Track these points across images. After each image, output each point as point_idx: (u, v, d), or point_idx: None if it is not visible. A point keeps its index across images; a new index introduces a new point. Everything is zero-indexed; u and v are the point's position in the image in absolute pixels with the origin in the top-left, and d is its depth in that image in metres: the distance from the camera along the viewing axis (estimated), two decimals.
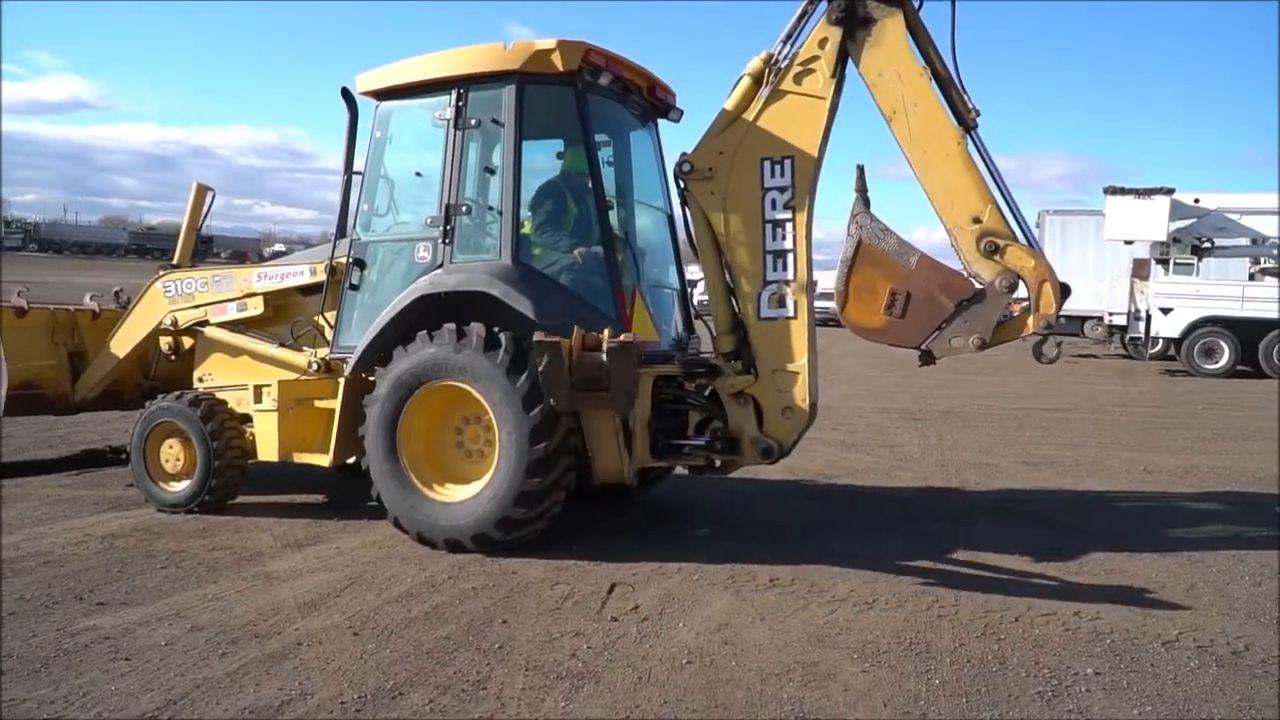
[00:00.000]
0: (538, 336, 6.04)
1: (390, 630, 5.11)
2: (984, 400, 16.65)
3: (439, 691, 4.39)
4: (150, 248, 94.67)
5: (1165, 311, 23.13)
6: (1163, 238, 23.13)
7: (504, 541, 6.47)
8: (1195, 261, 23.73)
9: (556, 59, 6.62)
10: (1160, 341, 23.94)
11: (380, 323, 6.81)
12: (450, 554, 6.49)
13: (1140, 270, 25.51)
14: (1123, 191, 23.09)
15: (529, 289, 6.52)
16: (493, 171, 6.92)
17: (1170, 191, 22.76)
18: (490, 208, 6.93)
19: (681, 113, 7.88)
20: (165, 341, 8.74)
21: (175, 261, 9.00)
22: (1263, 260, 24.40)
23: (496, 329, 6.50)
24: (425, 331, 6.64)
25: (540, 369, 6.03)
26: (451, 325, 6.56)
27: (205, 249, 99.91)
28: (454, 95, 6.91)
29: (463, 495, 6.63)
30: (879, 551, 6.74)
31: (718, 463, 7.05)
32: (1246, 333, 22.55)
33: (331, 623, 5.20)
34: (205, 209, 9.11)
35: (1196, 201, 23.30)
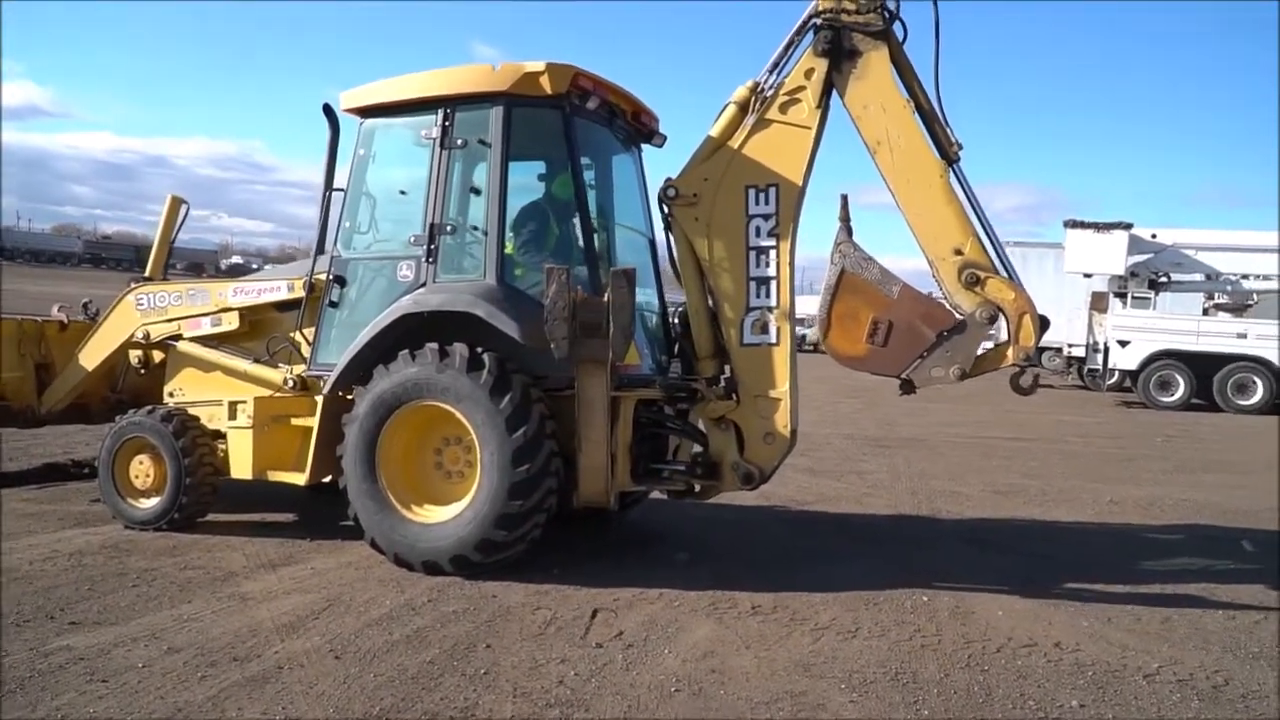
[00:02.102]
0: (548, 265, 6.21)
1: (372, 654, 5.03)
2: (949, 428, 16.81)
3: (426, 718, 4.32)
4: (105, 257, 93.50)
5: (1123, 344, 23.51)
6: (1121, 271, 23.60)
7: (483, 564, 6.42)
8: (1152, 296, 24.19)
9: (545, 81, 6.63)
10: (1116, 373, 24.32)
11: (361, 341, 6.74)
12: (428, 576, 6.42)
13: (1098, 303, 25.93)
14: (1082, 225, 23.53)
15: (513, 309, 6.49)
16: (478, 192, 6.89)
17: (1129, 226, 23.23)
18: (474, 228, 6.90)
19: (665, 138, 7.91)
20: (135, 355, 8.61)
21: (147, 274, 8.85)
22: (1216, 296, 24.93)
23: (480, 349, 6.47)
24: (407, 351, 6.58)
25: (548, 298, 6.08)
26: (434, 345, 6.52)
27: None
28: (440, 115, 6.89)
29: (442, 517, 6.57)
30: (858, 579, 6.75)
31: (697, 487, 7.06)
32: (1201, 366, 22.96)
33: (312, 645, 5.12)
34: (179, 221, 8.99)
35: (1154, 237, 23.81)
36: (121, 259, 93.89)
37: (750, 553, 7.58)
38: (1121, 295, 24.43)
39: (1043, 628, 5.89)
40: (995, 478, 11.76)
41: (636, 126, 7.67)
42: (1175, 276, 24.18)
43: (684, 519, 8.55)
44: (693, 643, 5.39)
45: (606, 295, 6.26)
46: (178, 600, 5.82)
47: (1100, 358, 24.74)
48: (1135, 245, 23.37)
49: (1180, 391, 23.18)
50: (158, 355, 8.58)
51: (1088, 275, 24.41)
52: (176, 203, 8.93)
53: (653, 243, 7.90)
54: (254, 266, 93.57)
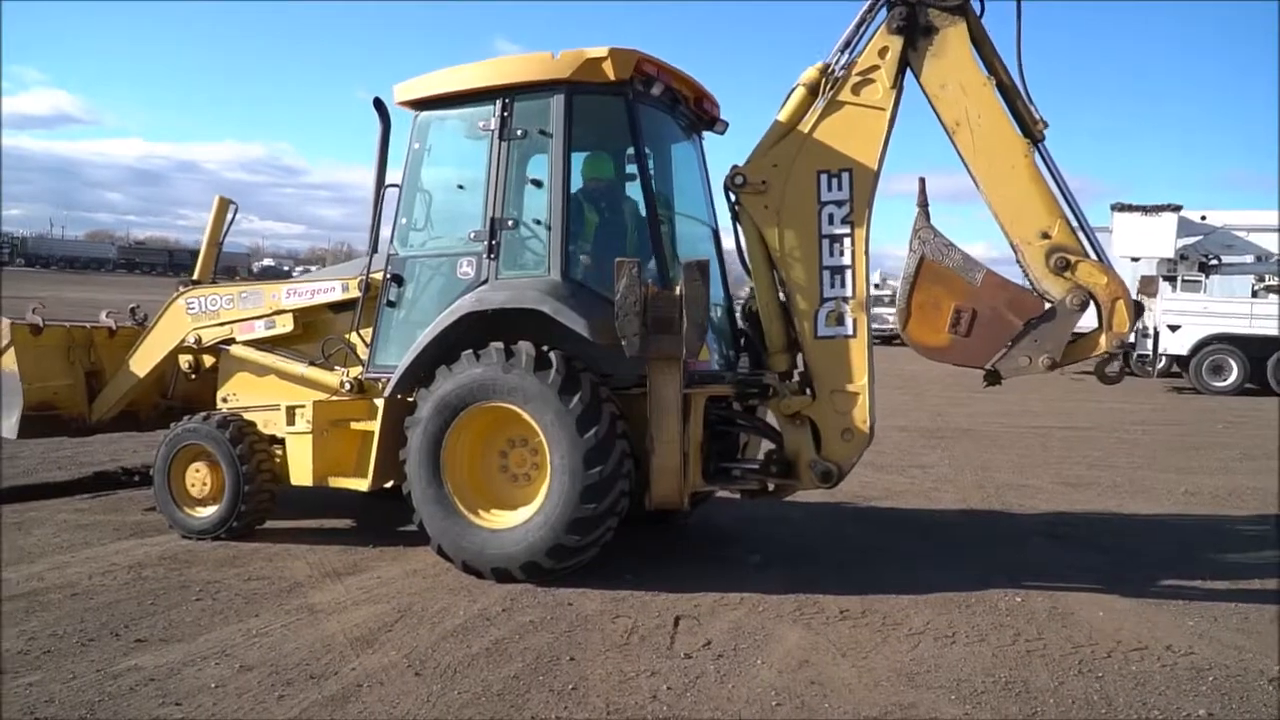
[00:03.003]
0: (618, 259, 5.97)
1: (453, 669, 4.80)
2: (1001, 418, 16.44)
3: None
4: (139, 262, 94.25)
5: (1173, 329, 22.98)
6: (1170, 254, 23.08)
7: (555, 570, 6.18)
8: (1203, 279, 23.62)
9: (608, 68, 6.37)
10: (1164, 359, 23.79)
11: (422, 341, 6.51)
12: (499, 584, 6.19)
13: (1147, 287, 25.35)
14: (1130, 208, 23.06)
15: (580, 306, 6.24)
16: (540, 184, 6.63)
17: (1178, 209, 22.73)
18: (537, 221, 6.64)
19: (727, 125, 7.62)
20: (185, 360, 8.43)
21: (195, 277, 8.66)
22: (1266, 278, 24.35)
23: (546, 348, 6.23)
24: (471, 351, 6.35)
25: (618, 293, 5.85)
26: (499, 344, 6.28)
27: (195, 263, 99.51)
28: (499, 105, 6.65)
29: (511, 522, 6.33)
30: (942, 579, 6.47)
31: (771, 486, 6.79)
32: (1255, 350, 22.40)
33: (389, 660, 4.90)
34: (227, 223, 8.79)
35: (1204, 219, 23.29)
36: (155, 264, 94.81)
37: (825, 553, 7.30)
38: (1171, 279, 23.88)
39: (1148, 629, 5.58)
40: (1062, 469, 11.41)
41: (698, 113, 7.39)
42: (1226, 259, 23.62)
43: (749, 519, 8.29)
44: (785, 651, 5.12)
45: (678, 289, 6.01)
46: (244, 614, 5.61)
47: (1150, 343, 24.21)
48: (1185, 227, 22.87)
49: (1233, 376, 22.61)
50: (208, 360, 8.40)
51: (1135, 259, 23.86)
52: (225, 204, 8.74)
53: (716, 233, 7.63)
54: (285, 269, 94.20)
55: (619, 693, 4.56)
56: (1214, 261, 23.56)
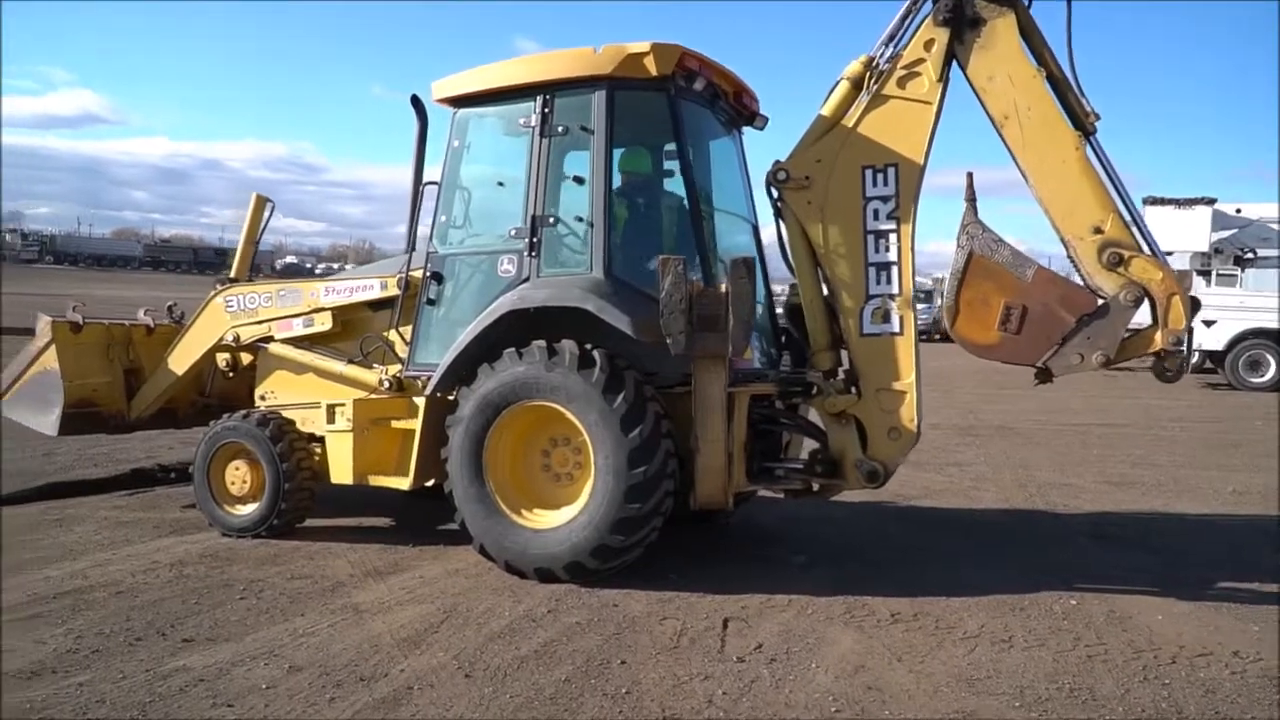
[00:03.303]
0: (663, 256, 5.88)
1: (503, 671, 4.74)
2: (1034, 415, 16.24)
3: None
4: (164, 260, 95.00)
5: (1208, 324, 22.64)
6: (1205, 248, 22.74)
7: (599, 571, 6.12)
8: (1238, 273, 23.27)
9: (650, 63, 6.29)
10: (1198, 354, 23.44)
11: (464, 339, 6.45)
12: (542, 584, 6.13)
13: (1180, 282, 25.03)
14: (1163, 202, 22.75)
15: (624, 303, 6.16)
16: (582, 181, 6.55)
17: (1212, 201, 22.41)
18: (578, 218, 6.57)
19: (766, 120, 7.52)
20: (223, 358, 8.41)
21: (232, 275, 8.64)
22: None
23: (588, 346, 6.16)
24: (514, 349, 6.29)
25: (663, 291, 5.76)
26: (541, 342, 6.22)
27: (220, 261, 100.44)
28: (539, 101, 6.58)
29: (554, 522, 6.27)
30: (992, 581, 6.36)
31: (815, 486, 6.70)
32: None
33: (438, 662, 4.84)
34: (264, 221, 8.77)
35: (1238, 211, 22.94)
36: (180, 261, 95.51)
37: (869, 553, 7.20)
38: (1205, 273, 23.52)
39: (1210, 633, 5.46)
40: (1103, 467, 11.24)
41: (738, 108, 7.30)
42: (1261, 252, 23.25)
43: (791, 518, 8.20)
44: (839, 655, 5.04)
45: (724, 286, 5.93)
46: (289, 613, 5.57)
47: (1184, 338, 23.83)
48: (1219, 221, 22.53)
49: (1271, 372, 22.27)
50: (246, 358, 8.38)
51: (1169, 254, 23.51)
52: (262, 202, 8.71)
53: (756, 229, 7.54)
54: (307, 266, 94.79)
55: (673, 697, 4.49)
56: (1249, 255, 23.18)
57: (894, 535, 7.88)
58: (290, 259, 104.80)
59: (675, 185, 7.02)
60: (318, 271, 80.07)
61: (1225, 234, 22.85)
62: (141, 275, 78.77)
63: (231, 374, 8.52)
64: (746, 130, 7.68)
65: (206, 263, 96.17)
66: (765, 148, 7.07)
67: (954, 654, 5.08)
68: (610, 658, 4.94)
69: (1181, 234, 22.59)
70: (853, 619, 5.61)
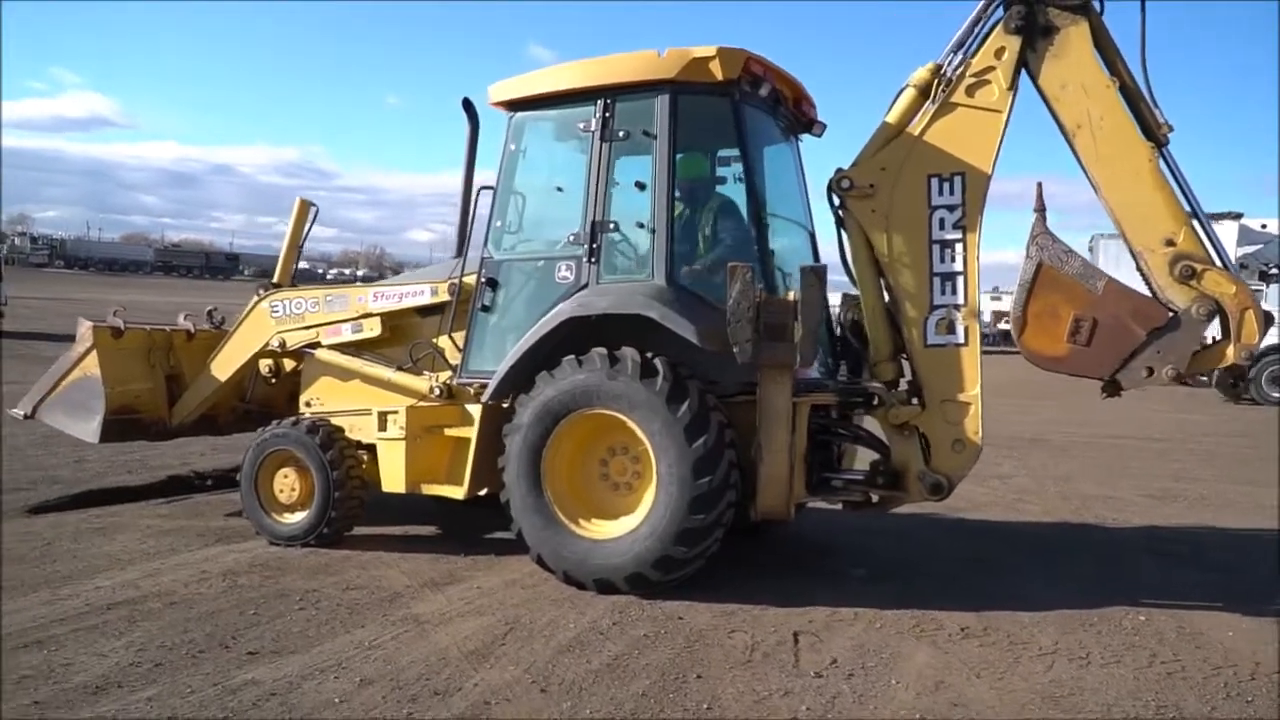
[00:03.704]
0: (731, 263, 5.80)
1: (578, 686, 4.65)
2: (1066, 427, 16.15)
3: None
4: (175, 265, 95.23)
5: None
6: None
7: (661, 582, 6.02)
8: (1264, 288, 23.13)
9: (715, 68, 6.22)
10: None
11: (524, 346, 6.36)
12: (601, 595, 6.04)
13: None
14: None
15: (687, 311, 6.07)
16: (643, 186, 6.47)
17: (1239, 216, 22.32)
18: (639, 224, 6.48)
19: (824, 127, 7.42)
20: (265, 363, 8.31)
21: (275, 280, 8.56)
22: None
23: (649, 354, 6.07)
24: (573, 356, 6.20)
25: (731, 299, 5.69)
26: (602, 350, 6.13)
27: (231, 266, 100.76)
28: (600, 106, 6.50)
29: (614, 532, 6.17)
30: (1056, 596, 6.26)
31: (875, 498, 6.60)
32: None
33: (511, 676, 4.75)
34: (308, 226, 8.69)
35: (1264, 227, 22.85)
36: (191, 266, 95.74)
37: (926, 566, 7.11)
38: None
39: None
40: (1144, 481, 11.13)
41: (796, 114, 7.22)
42: None
43: (835, 529, 8.11)
44: (916, 671, 4.94)
45: (792, 295, 5.84)
46: (350, 624, 5.48)
47: None
48: (1245, 235, 22.46)
49: None
50: (289, 363, 8.29)
51: None
52: (305, 206, 8.64)
53: (813, 237, 7.45)
54: (319, 271, 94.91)
55: (756, 713, 4.39)
56: (1274, 270, 23.10)
57: (947, 548, 7.78)
58: (303, 264, 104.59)
59: (730, 191, 6.95)
60: (329, 277, 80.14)
61: (1251, 249, 22.77)
62: (154, 280, 78.89)
63: (274, 380, 8.42)
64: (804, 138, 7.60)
65: (218, 268, 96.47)
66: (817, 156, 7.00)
67: (1033, 670, 4.98)
68: (685, 672, 4.84)
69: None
70: (923, 633, 5.51)
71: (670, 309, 6.04)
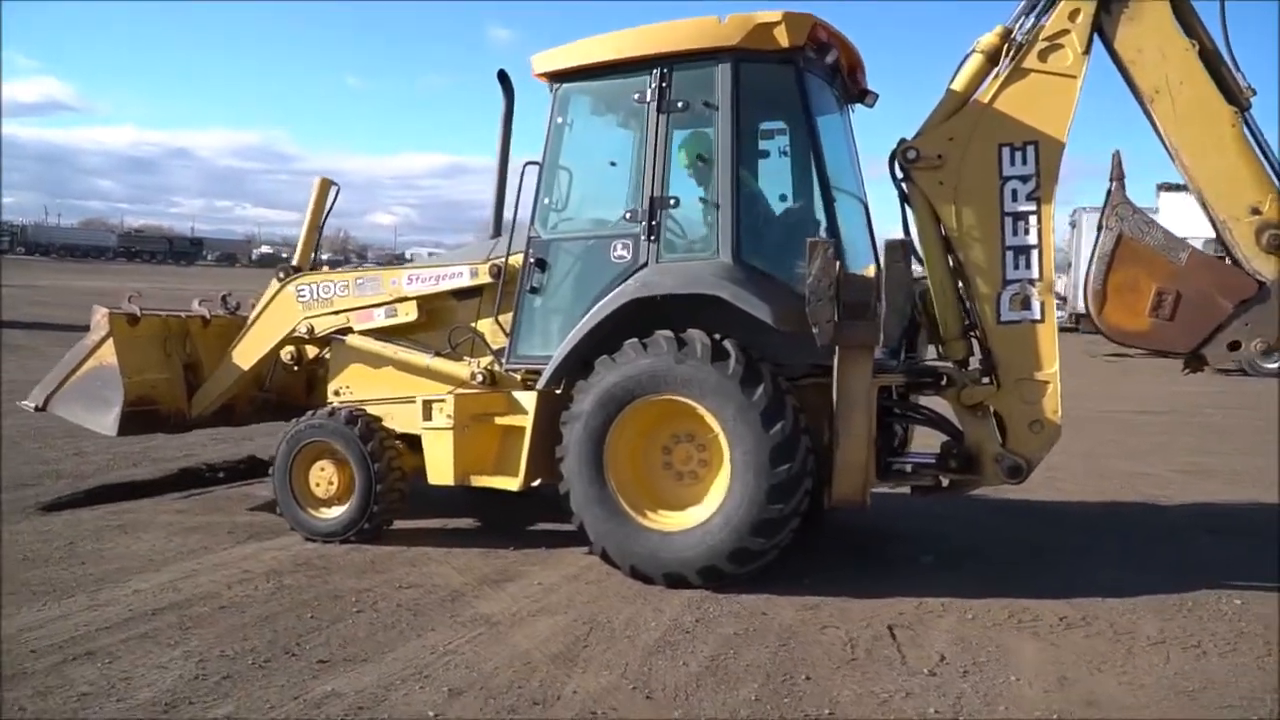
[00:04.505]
0: (810, 239, 5.54)
1: (684, 691, 4.36)
2: (1070, 401, 15.99)
3: None
4: (139, 250, 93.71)
5: None
6: None
7: (735, 575, 5.75)
8: None
9: (781, 34, 5.90)
10: None
11: (583, 329, 6.04)
12: (673, 590, 5.75)
13: None
14: (1178, 188, 22.53)
15: (759, 290, 5.77)
16: (705, 160, 6.15)
17: None
18: (702, 200, 6.17)
19: (877, 97, 7.13)
20: (288, 350, 7.88)
21: (295, 263, 8.15)
22: None
23: (717, 336, 5.77)
24: (636, 340, 5.89)
25: (810, 277, 5.41)
26: (668, 333, 5.82)
27: (195, 251, 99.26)
28: (655, 75, 6.16)
29: (684, 524, 5.87)
30: (1137, 580, 6.06)
31: (946, 482, 6.35)
32: None
33: (608, 682, 4.45)
34: (328, 205, 8.29)
35: None
36: (155, 251, 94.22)
37: (990, 551, 6.88)
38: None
39: None
40: (1170, 456, 11.01)
41: (850, 83, 6.91)
42: None
43: (888, 513, 7.82)
44: (1031, 665, 4.70)
45: (871, 270, 5.56)
46: (417, 627, 5.16)
47: None
48: None
49: None
50: (312, 350, 7.91)
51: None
52: (326, 185, 8.22)
53: (867, 209, 7.17)
54: (283, 256, 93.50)
55: (881, 714, 4.13)
56: None
57: (1004, 531, 7.55)
58: (265, 249, 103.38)
59: (788, 163, 6.66)
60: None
61: None
62: (118, 266, 77.38)
63: (296, 367, 8.01)
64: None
65: (182, 253, 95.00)
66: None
67: (1151, 662, 4.76)
68: (791, 673, 4.57)
69: (1198, 220, 22.40)
70: (1022, 625, 5.27)
71: (742, 288, 5.74)
